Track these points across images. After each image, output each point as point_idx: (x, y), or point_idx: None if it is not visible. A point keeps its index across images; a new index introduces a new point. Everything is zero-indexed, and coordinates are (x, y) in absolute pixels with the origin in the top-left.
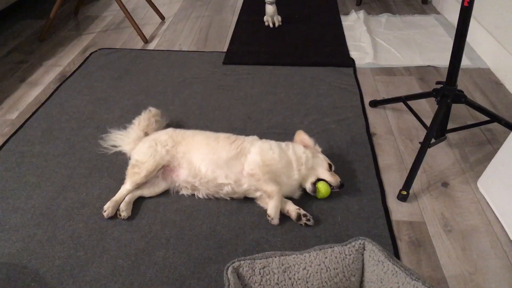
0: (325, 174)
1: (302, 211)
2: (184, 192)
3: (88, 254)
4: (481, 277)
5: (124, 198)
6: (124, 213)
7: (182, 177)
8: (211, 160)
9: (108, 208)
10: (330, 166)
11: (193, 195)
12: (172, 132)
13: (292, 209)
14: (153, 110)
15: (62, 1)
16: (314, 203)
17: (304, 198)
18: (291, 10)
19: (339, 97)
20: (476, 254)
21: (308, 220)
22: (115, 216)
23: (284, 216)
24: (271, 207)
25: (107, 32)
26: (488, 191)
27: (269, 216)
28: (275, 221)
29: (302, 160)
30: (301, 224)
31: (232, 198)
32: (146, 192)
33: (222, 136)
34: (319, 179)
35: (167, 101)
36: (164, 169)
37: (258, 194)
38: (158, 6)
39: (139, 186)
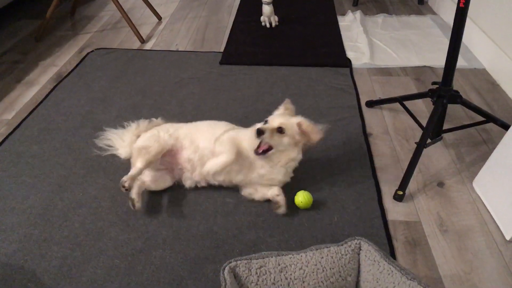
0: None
1: (277, 198)
2: (187, 181)
3: (84, 254)
4: (476, 276)
5: (139, 173)
6: (138, 203)
7: (185, 156)
8: (211, 134)
9: (128, 179)
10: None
11: (191, 192)
12: (172, 123)
13: (276, 193)
14: (159, 121)
15: (58, 1)
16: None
17: None
18: (288, 10)
19: (336, 97)
20: (471, 254)
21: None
22: (111, 216)
23: (282, 216)
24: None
25: (104, 32)
26: (483, 191)
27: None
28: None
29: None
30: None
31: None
32: (153, 185)
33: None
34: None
35: (163, 101)
36: (168, 154)
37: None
38: (155, 6)
39: (149, 165)
